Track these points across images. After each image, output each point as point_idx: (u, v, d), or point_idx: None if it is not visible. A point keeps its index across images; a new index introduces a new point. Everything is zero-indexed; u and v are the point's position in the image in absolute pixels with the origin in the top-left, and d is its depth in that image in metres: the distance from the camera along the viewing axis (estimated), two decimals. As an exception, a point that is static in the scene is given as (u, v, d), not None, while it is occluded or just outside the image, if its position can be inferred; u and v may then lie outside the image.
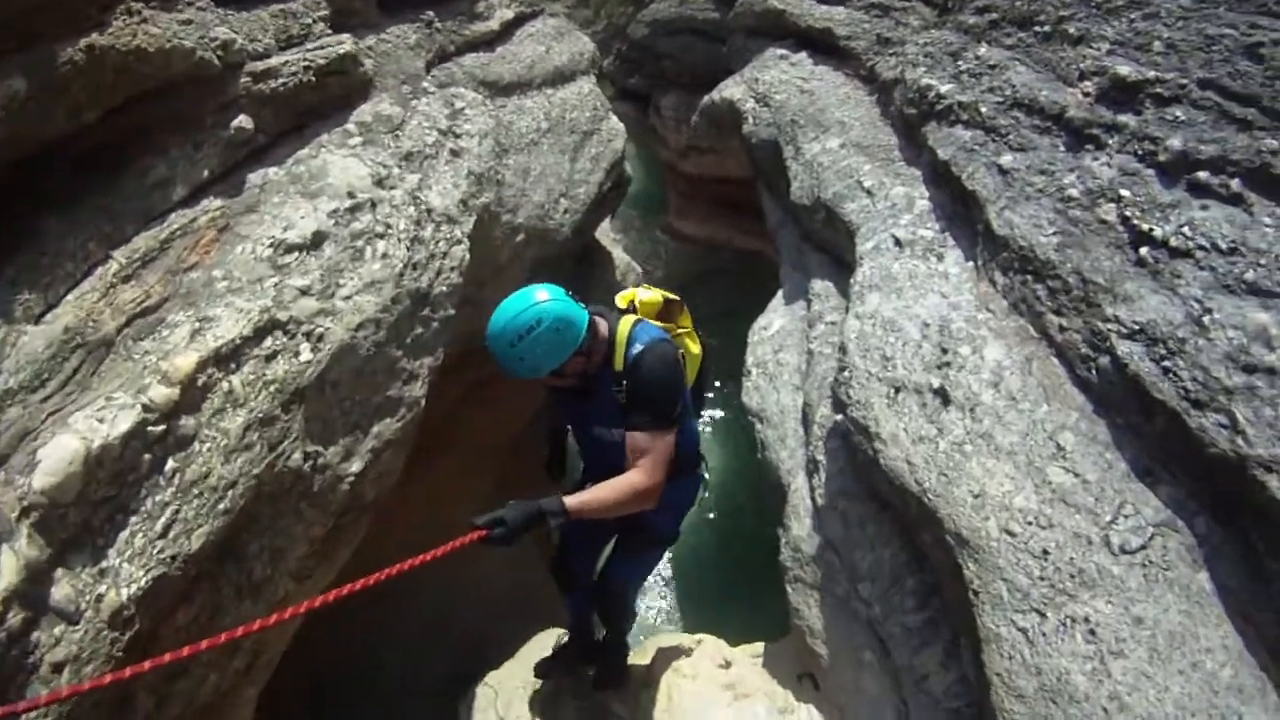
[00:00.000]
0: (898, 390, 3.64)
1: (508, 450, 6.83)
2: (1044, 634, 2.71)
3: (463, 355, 5.40)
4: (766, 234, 7.03)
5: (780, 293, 5.86)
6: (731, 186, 10.59)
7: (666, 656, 4.50)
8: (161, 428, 2.75)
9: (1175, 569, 2.72)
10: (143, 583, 2.58)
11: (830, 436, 4.18)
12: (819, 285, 5.22)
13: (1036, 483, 3.06)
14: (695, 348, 3.56)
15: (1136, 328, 3.04)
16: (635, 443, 2.94)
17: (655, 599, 8.44)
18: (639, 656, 4.72)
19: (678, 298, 3.53)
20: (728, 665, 4.27)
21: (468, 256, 4.25)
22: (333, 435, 3.37)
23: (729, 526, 5.84)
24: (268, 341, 3.21)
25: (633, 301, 3.39)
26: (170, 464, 2.78)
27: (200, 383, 2.93)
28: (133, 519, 2.65)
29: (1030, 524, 2.95)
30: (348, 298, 3.52)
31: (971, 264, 4.05)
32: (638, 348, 3.00)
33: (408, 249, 3.87)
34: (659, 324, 3.29)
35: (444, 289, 4.00)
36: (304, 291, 3.40)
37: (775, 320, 5.55)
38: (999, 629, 2.81)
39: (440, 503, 5.78)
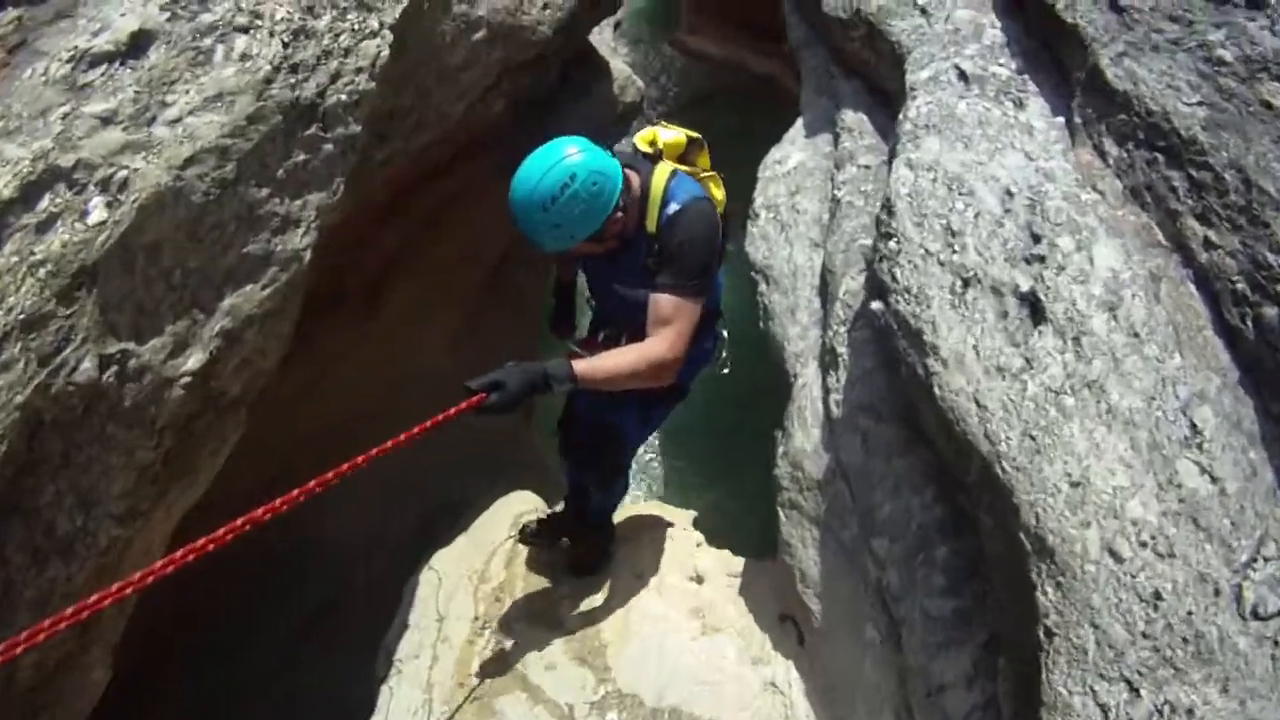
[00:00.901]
0: (966, 284, 2.48)
1: (480, 286, 5.63)
2: (1131, 720, 1.75)
3: (419, 178, 4.15)
4: (785, 57, 5.92)
5: (800, 121, 4.47)
6: (756, 8, 8.77)
7: (634, 544, 3.67)
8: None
9: (1309, 657, 1.73)
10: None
11: (858, 323, 3.04)
12: (850, 117, 3.92)
13: (1161, 481, 1.98)
14: (719, 192, 3.00)
15: (1325, 280, 1.90)
16: (660, 309, 2.54)
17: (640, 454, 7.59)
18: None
19: (699, 136, 2.95)
20: (699, 580, 3.41)
21: (387, 53, 2.88)
22: (152, 323, 2.24)
23: (735, 387, 4.87)
24: (43, 202, 2.03)
25: (654, 143, 2.83)
26: (-97, 413, 1.73)
27: (-64, 285, 1.80)
28: None
29: (1145, 546, 1.91)
30: (175, 121, 2.25)
31: (1063, 120, 2.85)
32: (674, 207, 2.57)
33: (284, 45, 2.54)
34: (684, 168, 2.80)
35: (343, 98, 2.68)
36: (106, 120, 2.17)
37: (793, 154, 4.22)
38: (1072, 697, 1.83)
39: (394, 345, 4.73)
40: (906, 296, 2.54)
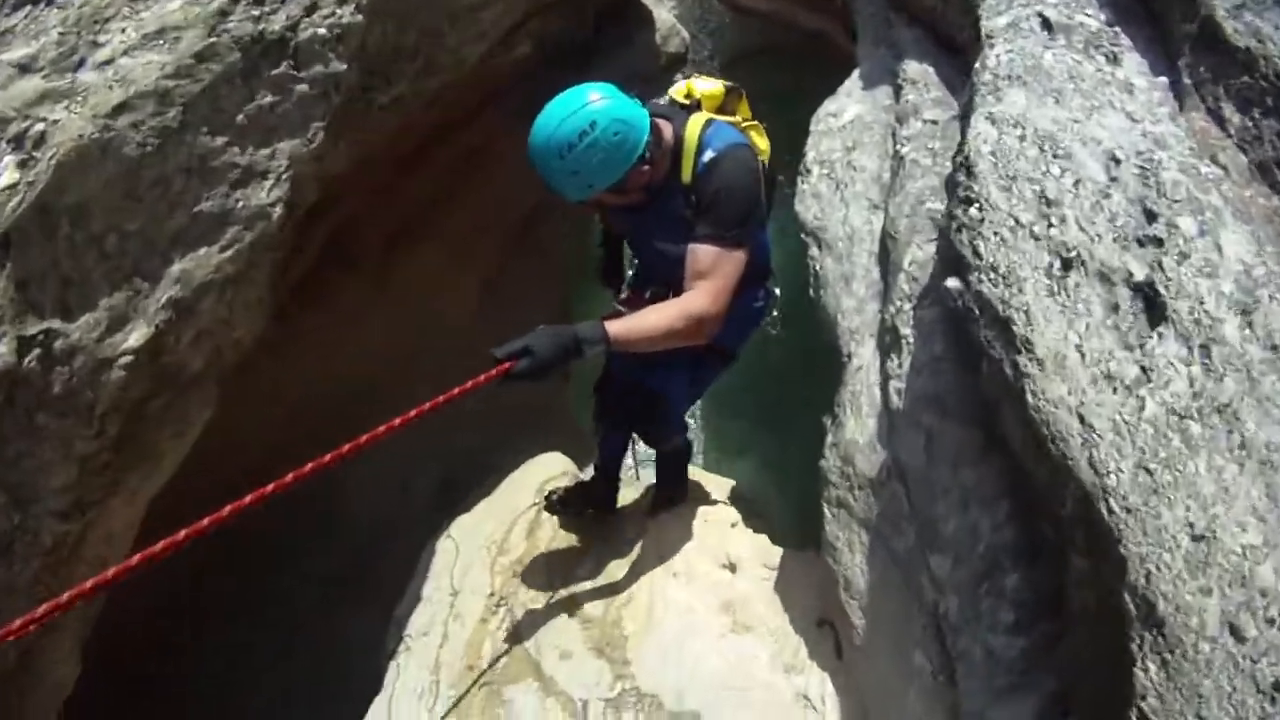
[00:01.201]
0: (1067, 266, 2.00)
1: (508, 238, 5.18)
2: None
3: (439, 126, 3.71)
4: (836, 12, 5.58)
5: (856, 72, 3.95)
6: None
7: (665, 520, 3.32)
8: None
9: None
10: None
11: (925, 300, 2.56)
12: (913, 68, 3.44)
13: (1300, 540, 1.51)
14: (763, 142, 2.77)
15: None
16: (698, 261, 2.35)
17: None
18: (632, 491, 3.62)
19: (736, 85, 2.76)
20: (732, 569, 3.04)
21: (376, -15, 2.43)
22: (82, 297, 1.90)
23: (784, 351, 4.45)
24: (-54, 168, 1.67)
25: (690, 95, 2.65)
26: None
27: None
28: None
29: (1272, 624, 1.47)
30: (105, 64, 1.87)
31: (1165, 80, 2.39)
32: (710, 154, 2.39)
33: (248, -25, 2.09)
34: (724, 118, 2.61)
35: (320, 32, 2.26)
36: (24, 68, 1.84)
37: (849, 106, 3.71)
38: (1166, 799, 1.43)
39: (414, 301, 4.36)
40: (993, 276, 2.07)
